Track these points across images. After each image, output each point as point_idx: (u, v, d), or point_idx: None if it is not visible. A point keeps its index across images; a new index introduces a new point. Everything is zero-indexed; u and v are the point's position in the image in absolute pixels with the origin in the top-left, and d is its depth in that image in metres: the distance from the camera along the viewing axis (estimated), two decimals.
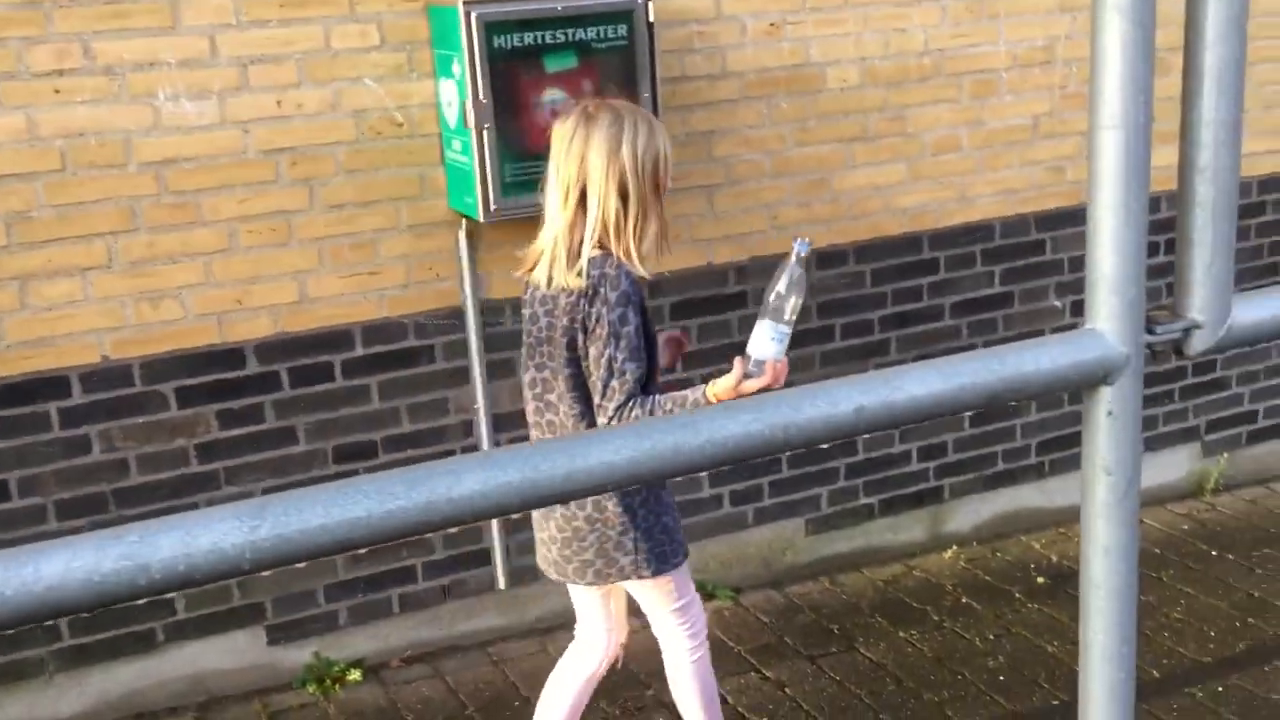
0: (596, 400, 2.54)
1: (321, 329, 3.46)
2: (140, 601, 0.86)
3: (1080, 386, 1.12)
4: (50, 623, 3.26)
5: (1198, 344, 1.16)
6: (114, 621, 3.43)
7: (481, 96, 3.21)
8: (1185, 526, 4.43)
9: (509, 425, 3.68)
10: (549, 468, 0.94)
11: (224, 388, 3.40)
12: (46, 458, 3.27)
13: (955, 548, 4.35)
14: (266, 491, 3.44)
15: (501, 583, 3.82)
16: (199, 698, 3.56)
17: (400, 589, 3.71)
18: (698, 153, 3.72)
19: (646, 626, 2.93)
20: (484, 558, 3.79)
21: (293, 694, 3.58)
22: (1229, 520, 4.46)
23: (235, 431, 3.43)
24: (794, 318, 2.50)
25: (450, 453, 3.67)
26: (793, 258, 2.48)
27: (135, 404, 3.33)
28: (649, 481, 1.00)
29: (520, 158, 3.29)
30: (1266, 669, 3.52)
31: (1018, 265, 4.24)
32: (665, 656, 2.91)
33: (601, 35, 3.30)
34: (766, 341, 2.51)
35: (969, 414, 4.24)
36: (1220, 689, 3.46)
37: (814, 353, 4.01)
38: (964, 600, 4.02)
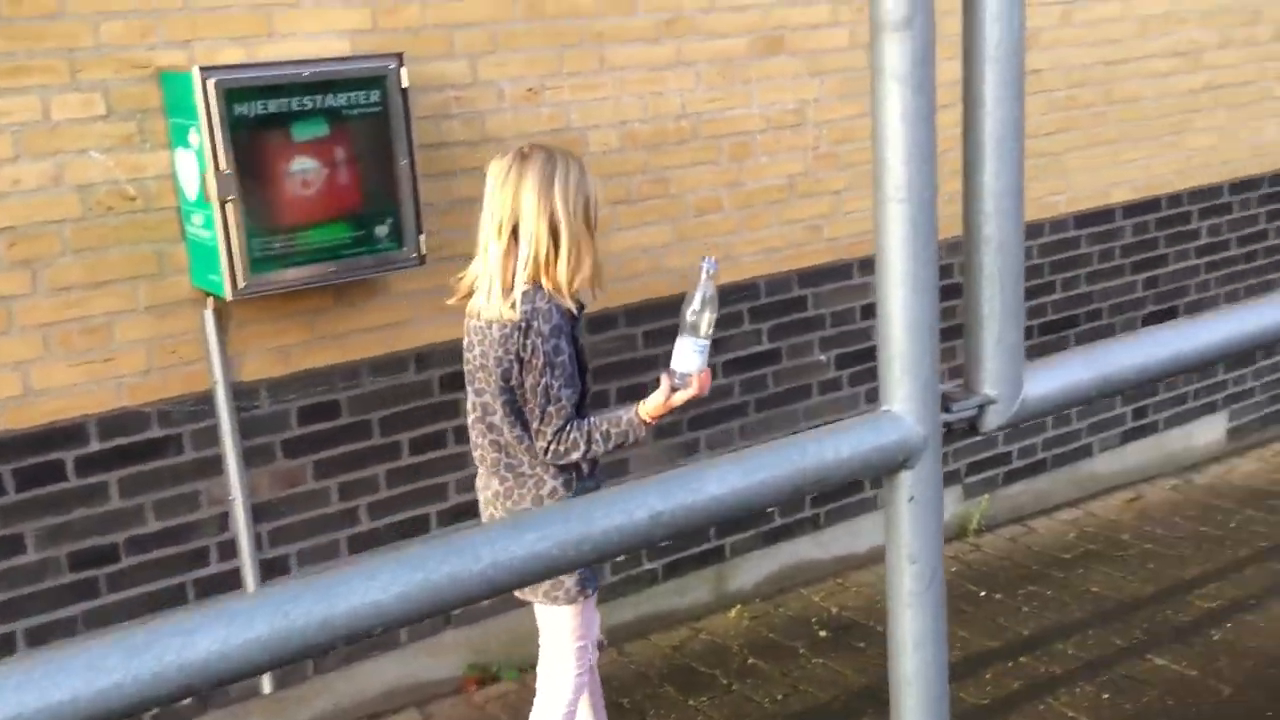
0: (535, 425, 2.69)
1: (50, 424, 3.13)
2: None
3: (881, 472, 1.06)
4: None
5: (993, 420, 1.12)
6: None
7: (223, 167, 3.00)
8: (954, 569, 4.57)
9: (269, 515, 3.43)
10: (302, 615, 0.80)
11: None
12: None
13: (739, 606, 4.33)
14: None
15: (267, 687, 3.54)
16: None
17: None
18: (462, 220, 3.59)
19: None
20: None
21: None
22: (994, 560, 4.62)
23: None
24: (711, 331, 2.68)
25: (203, 551, 3.38)
26: (704, 275, 2.64)
27: None
28: (417, 620, 0.87)
29: (270, 231, 3.08)
30: (1042, 708, 3.63)
31: (783, 322, 4.30)
32: (539, 694, 2.98)
33: (353, 102, 3.15)
34: (690, 355, 2.69)
35: None
36: None
37: None
38: (750, 661, 3.99)
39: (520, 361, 2.66)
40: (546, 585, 2.75)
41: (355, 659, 3.67)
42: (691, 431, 4.19)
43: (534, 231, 2.65)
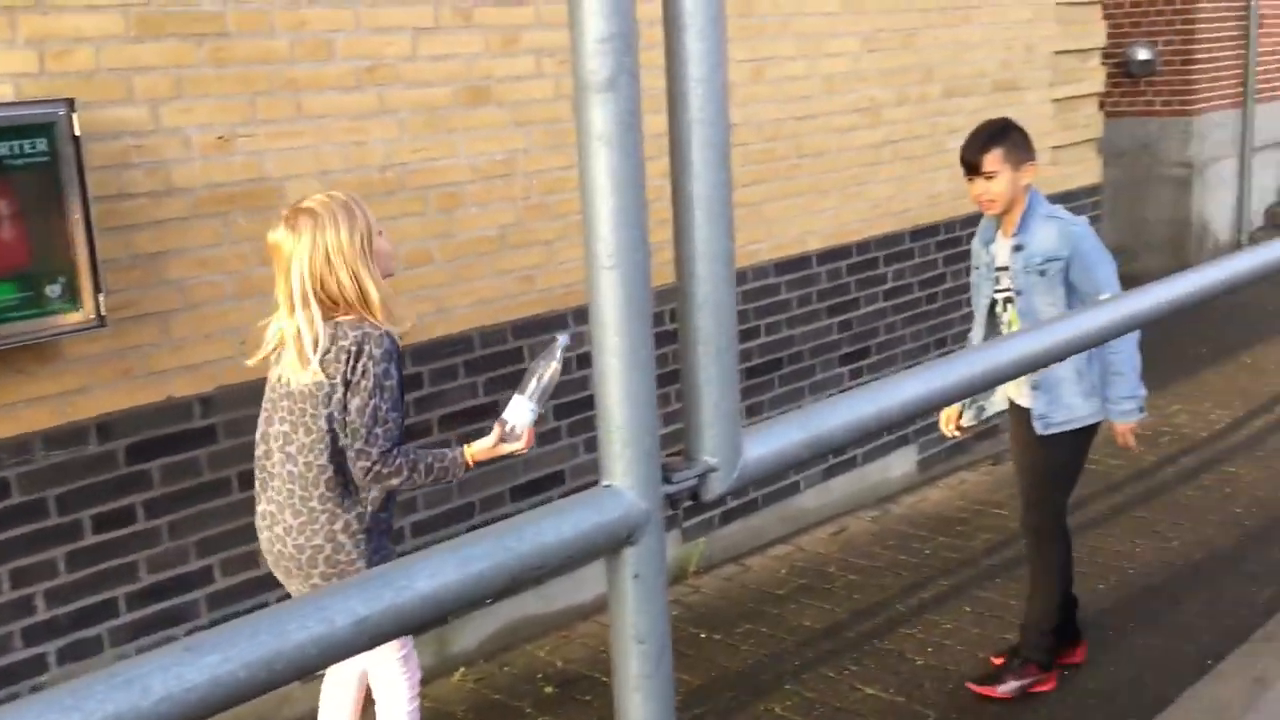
0: (358, 446, 2.72)
1: None
2: None
3: (605, 551, 1.01)
4: None
5: (715, 487, 1.09)
6: None
7: None
8: (675, 612, 4.61)
9: None
10: None
11: None
12: None
13: (463, 669, 4.21)
14: None
15: None
16: None
17: None
18: (146, 277, 3.34)
19: None
20: None
21: None
22: (712, 600, 4.71)
23: None
24: (546, 400, 2.88)
25: None
26: (559, 351, 2.82)
27: None
28: None
29: None
30: None
31: (499, 374, 4.24)
32: (380, 708, 3.05)
33: (17, 151, 2.86)
34: (524, 412, 2.85)
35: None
36: None
37: None
38: None
39: (347, 385, 2.72)
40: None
41: None
42: (408, 490, 4.04)
43: (325, 287, 2.74)
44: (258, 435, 2.91)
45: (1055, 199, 6.18)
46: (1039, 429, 3.72)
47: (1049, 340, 1.41)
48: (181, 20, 3.31)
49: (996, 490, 5.63)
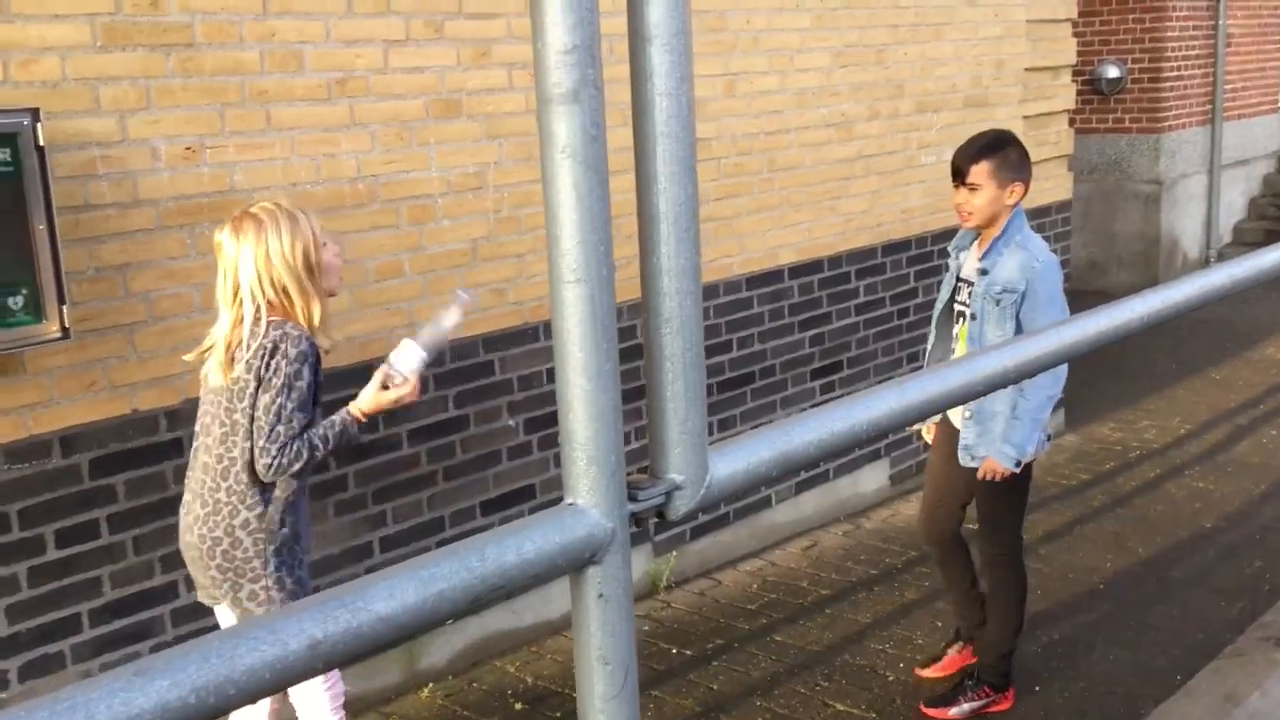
0: (260, 444, 2.76)
1: None
2: None
3: (568, 570, 0.99)
4: None
5: (681, 505, 1.08)
6: None
7: None
8: (646, 627, 4.59)
9: None
10: None
11: None
12: None
13: (432, 685, 4.17)
14: None
15: None
16: None
17: None
18: (112, 289, 3.30)
19: None
20: None
21: None
22: (684, 615, 4.69)
23: None
24: (436, 351, 2.90)
25: None
26: (458, 307, 2.87)
27: None
28: None
29: None
30: None
31: (470, 387, 4.21)
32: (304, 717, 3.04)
33: None
34: (414, 360, 2.85)
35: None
36: None
37: None
38: None
39: (259, 382, 2.76)
40: (252, 606, 2.86)
41: None
42: (378, 505, 4.01)
43: (260, 295, 2.77)
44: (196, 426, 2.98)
45: (1027, 215, 6.25)
46: (963, 459, 3.68)
47: (1020, 357, 1.41)
48: (149, 30, 3.28)
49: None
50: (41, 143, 2.94)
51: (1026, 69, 6.23)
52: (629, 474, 1.06)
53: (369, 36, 3.75)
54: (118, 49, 3.23)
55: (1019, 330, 3.58)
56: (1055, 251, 6.42)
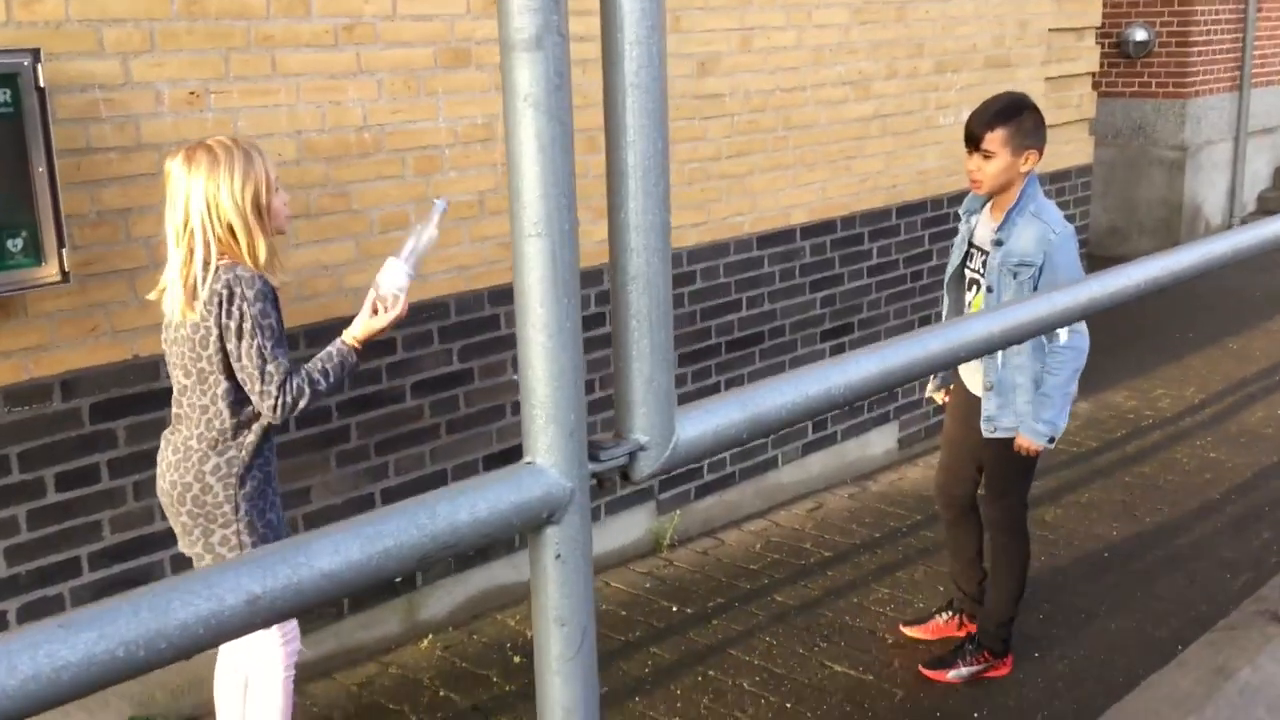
0: (257, 390, 2.74)
1: None
2: None
3: (523, 530, 0.97)
4: None
5: (644, 467, 1.06)
6: None
7: None
8: (647, 585, 4.60)
9: None
10: None
11: None
12: None
13: (431, 636, 4.19)
14: None
15: None
16: None
17: None
18: (113, 233, 3.29)
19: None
20: None
21: None
22: (685, 574, 4.69)
23: None
24: (419, 265, 2.90)
25: None
26: (436, 216, 2.86)
27: None
28: None
29: None
30: None
31: (474, 341, 4.20)
32: (254, 669, 3.01)
33: None
34: (401, 278, 2.84)
35: None
36: None
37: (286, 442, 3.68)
38: (442, 693, 3.86)
39: (221, 330, 2.73)
40: (224, 551, 2.85)
41: None
42: (380, 456, 4.01)
43: (209, 228, 2.72)
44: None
45: (1046, 179, 6.17)
46: (985, 430, 3.66)
47: (1007, 322, 1.37)
48: None
49: None
50: (42, 84, 2.91)
51: (1050, 29, 6.12)
52: (594, 434, 1.04)
53: None
54: None
55: None
56: (1073, 218, 6.35)
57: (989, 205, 3.69)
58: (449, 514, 0.92)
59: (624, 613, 4.36)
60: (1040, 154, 3.56)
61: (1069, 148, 6.45)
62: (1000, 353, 3.49)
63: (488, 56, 4.01)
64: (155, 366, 3.42)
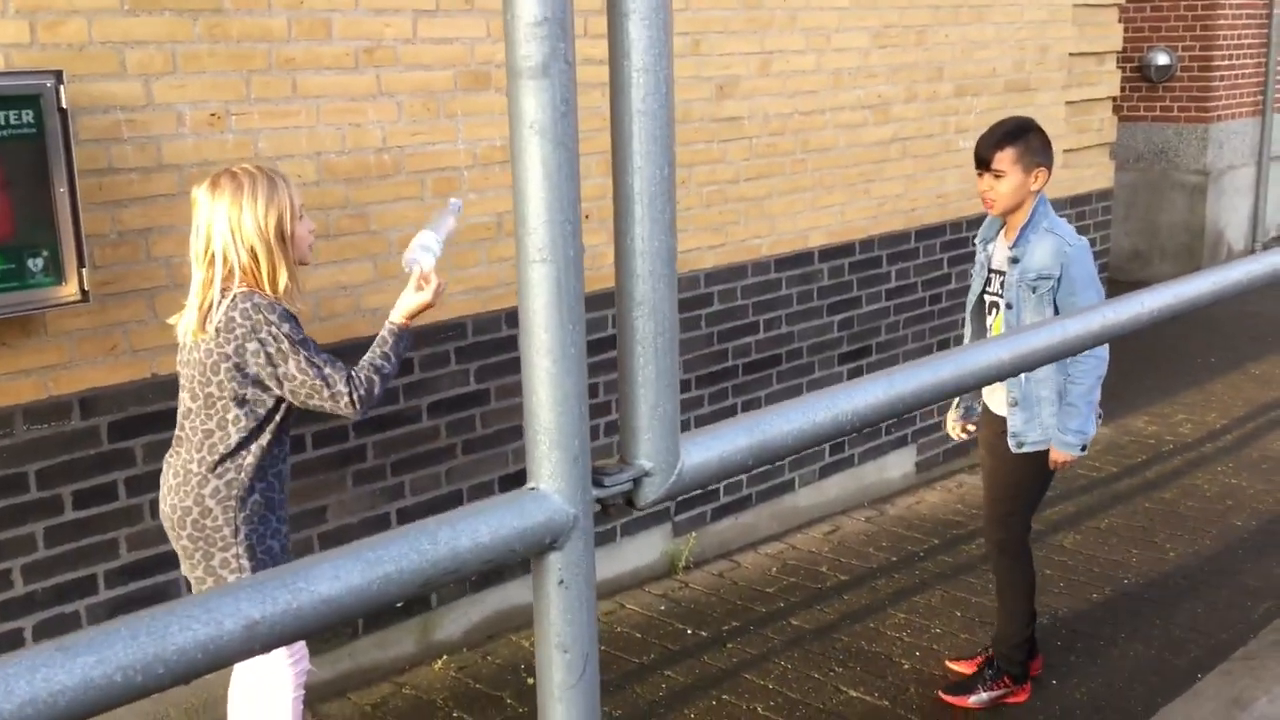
0: (325, 394, 2.77)
1: None
2: None
3: (526, 555, 0.97)
4: None
5: (649, 493, 1.06)
6: None
7: None
8: (662, 607, 4.58)
9: None
10: None
11: None
12: None
13: (446, 657, 4.18)
14: None
15: None
16: None
17: None
18: (133, 253, 3.31)
19: None
20: None
21: None
22: (700, 596, 4.67)
23: None
24: (444, 247, 3.01)
25: None
26: (452, 216, 3.01)
27: None
28: None
29: None
30: None
31: (491, 362, 4.21)
32: (262, 689, 3.01)
33: (2, 122, 2.83)
34: (436, 246, 2.94)
35: None
36: None
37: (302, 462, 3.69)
38: (455, 714, 3.85)
39: (260, 362, 2.75)
40: (225, 574, 2.86)
41: None
42: (396, 476, 4.02)
43: (231, 254, 2.76)
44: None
45: (1066, 203, 6.15)
46: (1012, 446, 3.65)
47: (1018, 349, 1.37)
48: None
49: None
50: (65, 105, 2.94)
51: (1071, 54, 6.11)
52: (598, 460, 1.03)
53: (398, 6, 3.73)
54: (144, 13, 3.23)
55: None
56: (1094, 242, 6.33)
57: (1003, 229, 3.70)
58: (450, 539, 0.92)
59: (638, 635, 4.35)
60: (1049, 172, 3.58)
61: (1090, 172, 6.43)
62: None
63: (506, 80, 4.03)
64: (173, 385, 3.43)
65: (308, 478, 3.74)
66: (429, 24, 3.82)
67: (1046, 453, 3.63)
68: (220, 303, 2.76)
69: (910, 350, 5.67)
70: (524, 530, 0.95)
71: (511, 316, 4.21)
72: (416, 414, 4.04)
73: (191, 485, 2.85)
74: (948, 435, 4.07)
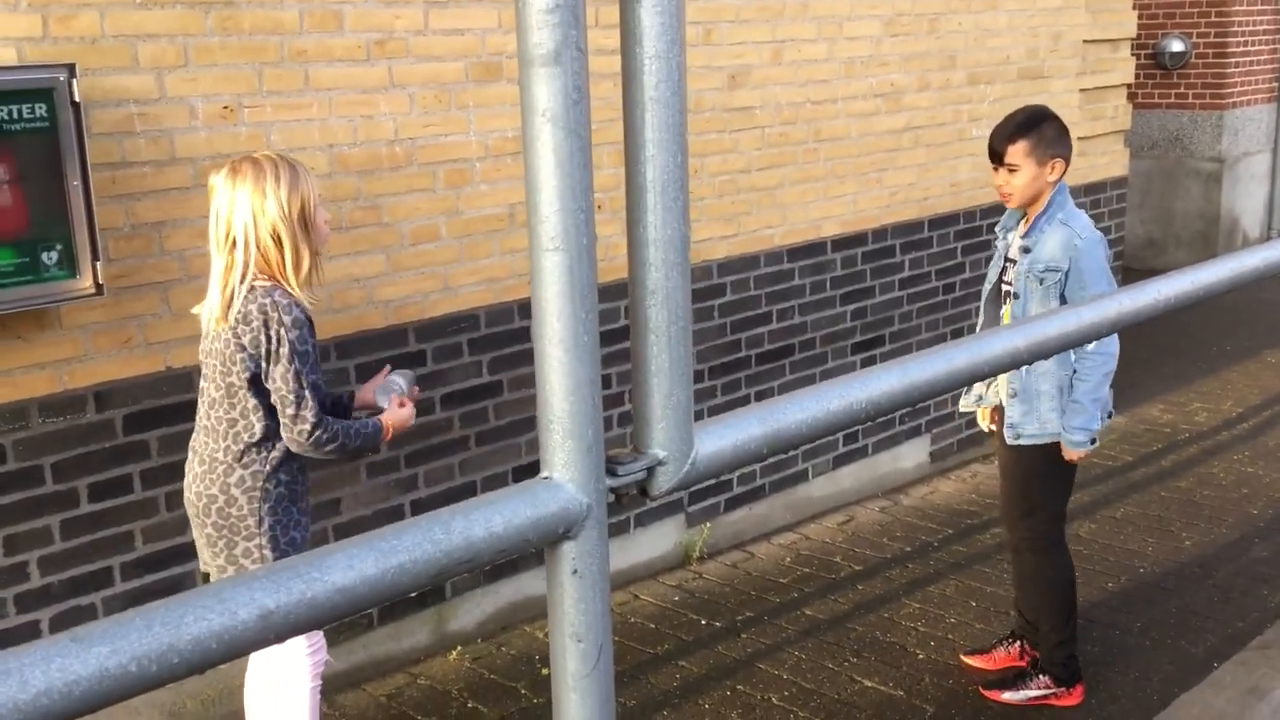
0: (290, 413, 2.77)
1: None
2: None
3: (539, 545, 0.97)
4: None
5: (663, 482, 1.05)
6: None
7: None
8: (676, 597, 4.58)
9: None
10: None
11: None
12: None
13: (460, 648, 4.19)
14: None
15: None
16: None
17: None
18: (147, 246, 3.32)
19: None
20: None
21: None
22: (714, 587, 4.67)
23: None
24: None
25: None
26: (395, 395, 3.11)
27: None
28: None
29: None
30: None
31: (504, 353, 4.21)
32: (280, 680, 3.01)
33: (15, 116, 2.84)
34: (406, 383, 3.13)
35: None
36: None
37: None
38: (470, 705, 3.86)
39: (257, 351, 2.76)
40: (248, 564, 2.87)
41: None
42: (410, 468, 4.03)
43: (250, 243, 2.75)
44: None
45: (1081, 191, 6.12)
46: (1008, 437, 3.62)
47: (1032, 337, 1.36)
48: None
49: None
50: (78, 98, 2.95)
51: (1085, 41, 6.08)
52: (612, 449, 1.03)
53: None
54: (157, 6, 3.24)
55: None
56: (1108, 230, 6.30)
57: (1023, 219, 3.67)
58: (464, 529, 0.92)
59: (653, 625, 4.35)
60: (1067, 162, 3.53)
61: (1104, 159, 6.40)
62: None
63: (518, 70, 4.02)
64: (188, 378, 3.45)
65: (323, 470, 3.75)
66: (440, 15, 3.81)
67: (1049, 446, 3.59)
68: (241, 291, 2.76)
69: (924, 340, 5.65)
70: (538, 520, 0.95)
71: (524, 307, 4.21)
72: (430, 405, 4.04)
73: (218, 474, 2.86)
74: (961, 421, 4.05)
